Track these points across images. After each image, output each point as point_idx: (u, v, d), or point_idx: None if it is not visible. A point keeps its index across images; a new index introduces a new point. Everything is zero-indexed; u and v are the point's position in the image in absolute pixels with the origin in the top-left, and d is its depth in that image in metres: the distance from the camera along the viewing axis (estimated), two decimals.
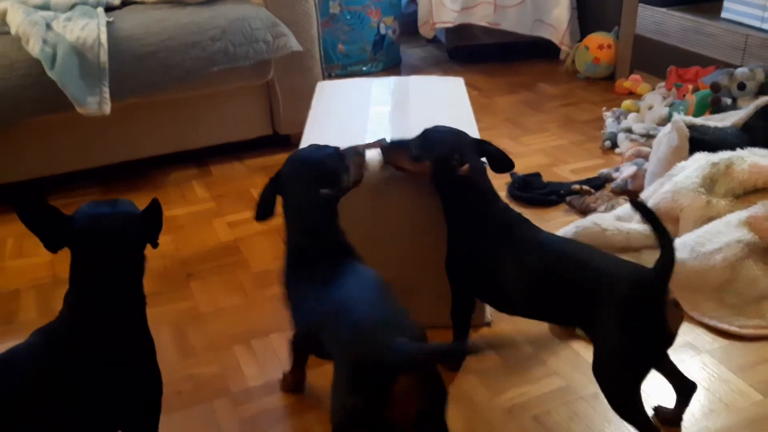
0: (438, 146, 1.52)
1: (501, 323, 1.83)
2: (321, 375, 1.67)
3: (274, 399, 1.61)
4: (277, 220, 2.38)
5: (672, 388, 1.47)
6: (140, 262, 1.16)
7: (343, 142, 1.67)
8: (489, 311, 1.83)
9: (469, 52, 4.01)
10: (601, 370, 1.33)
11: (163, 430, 1.50)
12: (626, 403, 1.32)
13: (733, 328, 1.77)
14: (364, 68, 3.89)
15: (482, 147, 1.56)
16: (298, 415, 1.57)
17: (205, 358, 1.75)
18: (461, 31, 3.87)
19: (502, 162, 1.57)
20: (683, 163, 2.10)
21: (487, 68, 3.89)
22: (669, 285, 1.27)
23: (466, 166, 1.47)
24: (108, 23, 2.38)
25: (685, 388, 1.45)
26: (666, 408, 1.49)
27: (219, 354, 1.76)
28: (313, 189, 1.38)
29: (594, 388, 1.59)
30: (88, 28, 2.32)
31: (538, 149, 2.86)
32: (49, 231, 1.10)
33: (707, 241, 1.87)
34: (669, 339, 1.30)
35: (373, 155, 1.61)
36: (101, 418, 1.11)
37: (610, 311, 1.30)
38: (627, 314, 1.28)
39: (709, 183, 2.00)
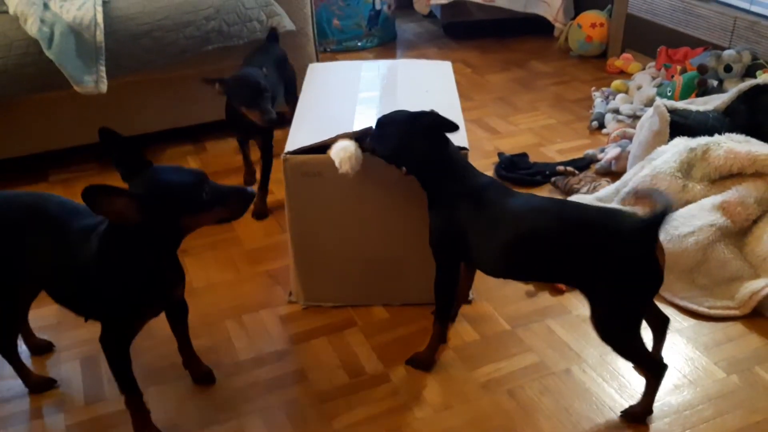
0: (385, 142, 1.59)
1: (482, 301, 1.91)
2: (306, 350, 1.76)
3: (263, 372, 1.70)
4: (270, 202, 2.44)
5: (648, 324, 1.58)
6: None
7: (332, 128, 1.73)
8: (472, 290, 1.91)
9: (464, 27, 4.04)
10: (605, 325, 1.42)
11: (157, 400, 1.61)
12: (632, 351, 1.45)
13: (702, 309, 1.85)
14: (359, 44, 3.89)
15: (431, 123, 1.54)
16: (285, 387, 1.66)
17: (197, 331, 1.82)
18: (456, 7, 3.89)
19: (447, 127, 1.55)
20: (663, 147, 2.16)
21: (482, 44, 3.91)
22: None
23: (404, 170, 1.57)
24: (104, 3, 2.42)
25: (658, 321, 1.58)
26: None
27: (211, 328, 1.85)
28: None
29: (565, 364, 1.70)
30: (84, 8, 2.36)
31: (526, 128, 2.91)
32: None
33: (681, 224, 1.94)
34: (662, 278, 1.39)
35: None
36: None
37: (608, 266, 1.36)
38: (626, 267, 1.36)
39: (686, 168, 2.06)
